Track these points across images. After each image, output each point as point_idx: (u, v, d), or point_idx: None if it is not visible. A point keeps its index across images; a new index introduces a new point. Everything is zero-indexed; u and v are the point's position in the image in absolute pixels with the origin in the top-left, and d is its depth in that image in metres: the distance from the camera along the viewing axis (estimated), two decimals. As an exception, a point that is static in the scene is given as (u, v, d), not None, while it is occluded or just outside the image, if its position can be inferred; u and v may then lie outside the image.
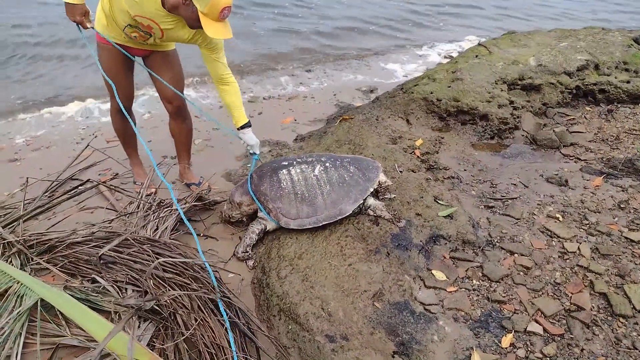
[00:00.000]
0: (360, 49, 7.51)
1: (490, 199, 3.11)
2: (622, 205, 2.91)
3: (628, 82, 4.45)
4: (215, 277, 2.16)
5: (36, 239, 2.47)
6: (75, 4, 2.42)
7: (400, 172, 3.23)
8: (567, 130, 4.03)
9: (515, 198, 3.08)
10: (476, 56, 4.96)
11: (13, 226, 2.71)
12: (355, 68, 6.72)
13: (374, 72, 6.59)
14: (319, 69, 6.57)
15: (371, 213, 2.72)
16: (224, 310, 1.95)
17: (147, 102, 5.06)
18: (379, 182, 2.80)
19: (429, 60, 7.21)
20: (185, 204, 2.87)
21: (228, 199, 2.88)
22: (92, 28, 2.55)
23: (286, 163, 2.73)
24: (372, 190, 2.71)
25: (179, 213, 2.77)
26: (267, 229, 2.72)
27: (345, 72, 6.53)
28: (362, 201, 2.67)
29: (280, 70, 6.43)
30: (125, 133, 3.18)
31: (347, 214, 2.61)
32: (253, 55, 6.82)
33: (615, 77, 4.53)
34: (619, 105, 4.37)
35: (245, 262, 2.63)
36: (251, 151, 2.94)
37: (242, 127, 2.85)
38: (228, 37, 2.36)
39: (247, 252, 2.63)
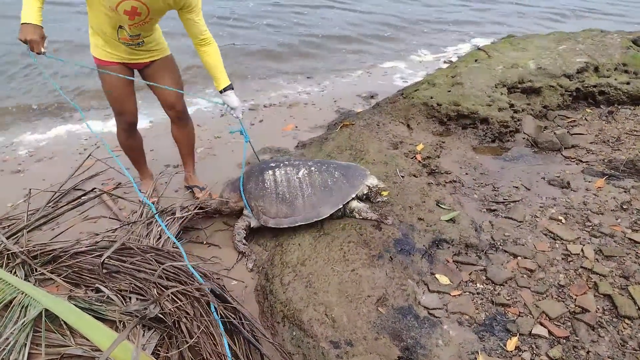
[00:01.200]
0: (360, 55, 7.54)
1: (493, 202, 3.11)
2: (624, 207, 2.90)
3: (628, 83, 4.45)
4: (218, 285, 2.16)
5: (40, 250, 2.48)
6: (33, 23, 2.32)
7: (402, 177, 3.24)
8: (568, 132, 4.04)
9: (518, 201, 3.08)
10: (476, 60, 4.97)
11: (17, 237, 2.72)
12: (356, 74, 6.74)
13: (374, 78, 6.61)
14: (319, 76, 6.59)
15: (357, 216, 2.78)
16: (215, 307, 1.96)
17: (148, 111, 5.09)
18: (369, 186, 2.90)
19: (429, 65, 7.22)
20: (187, 212, 2.88)
21: (220, 193, 3.02)
22: (44, 54, 2.43)
23: (274, 164, 2.85)
24: (354, 195, 2.78)
25: (181, 221, 2.79)
26: (252, 225, 2.87)
27: (346, 78, 6.56)
28: (341, 206, 2.75)
29: (280, 77, 6.46)
30: (133, 149, 3.23)
31: (325, 217, 2.70)
32: (253, 63, 6.86)
33: (615, 79, 4.53)
34: (620, 107, 4.37)
35: (245, 265, 2.68)
36: (234, 115, 2.88)
37: (225, 90, 2.79)
38: None
39: (243, 243, 2.78)
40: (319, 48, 7.74)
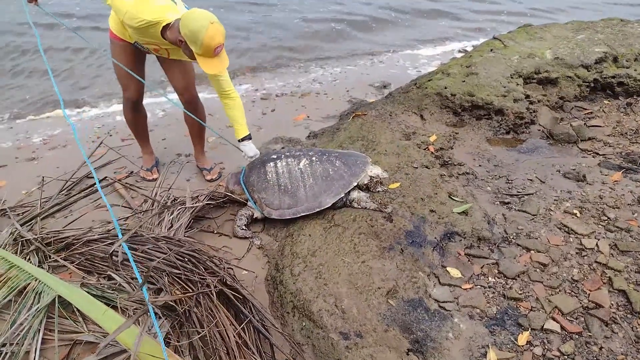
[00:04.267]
0: (373, 45, 7.46)
1: (506, 194, 3.07)
2: (642, 201, 2.84)
3: (648, 74, 4.34)
4: (229, 274, 2.17)
5: (53, 237, 2.51)
6: None
7: (415, 168, 3.21)
8: (584, 124, 3.96)
9: (532, 194, 3.03)
10: (491, 50, 4.88)
11: (31, 224, 2.76)
12: (368, 64, 6.68)
13: (387, 67, 6.54)
14: (332, 65, 6.55)
15: (356, 206, 2.80)
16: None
17: (162, 100, 5.10)
18: (370, 176, 2.94)
19: (443, 54, 7.13)
20: (197, 202, 2.89)
21: (224, 186, 3.08)
22: (37, 5, 2.67)
23: (275, 156, 2.89)
24: (355, 184, 2.81)
25: (192, 211, 2.79)
26: (255, 216, 2.89)
27: (358, 67, 6.50)
28: (343, 195, 2.77)
29: (293, 67, 6.43)
30: (136, 124, 3.34)
31: (327, 207, 2.74)
32: (266, 52, 6.83)
33: (635, 70, 4.42)
34: (639, 99, 4.27)
35: (252, 243, 2.77)
36: (249, 160, 3.09)
37: (243, 139, 3.01)
38: (223, 71, 2.54)
39: (244, 229, 2.81)
40: (331, 36, 7.67)
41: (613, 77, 4.38)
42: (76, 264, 2.35)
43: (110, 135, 4.15)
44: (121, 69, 2.87)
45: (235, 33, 7.32)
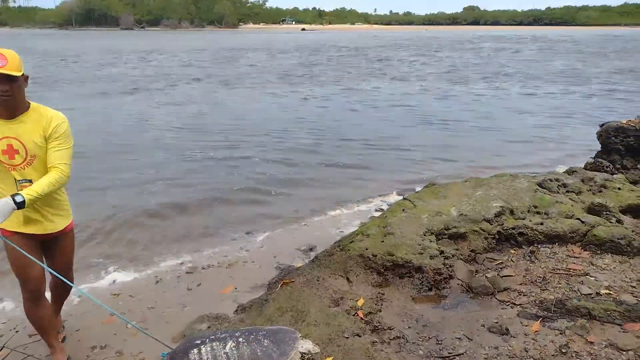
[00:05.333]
0: (297, 208, 7.79)
1: (438, 357, 3.07)
2: (563, 350, 2.96)
3: (541, 223, 4.86)
4: None
5: None
6: None
7: (346, 338, 3.17)
8: (498, 274, 4.22)
9: (462, 354, 3.06)
10: (403, 210, 5.29)
11: None
12: (293, 227, 6.89)
13: (311, 229, 6.77)
14: (258, 231, 6.67)
15: None
16: None
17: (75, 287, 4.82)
18: (300, 352, 2.83)
19: (362, 214, 7.56)
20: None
21: None
22: None
23: (199, 341, 2.74)
24: None
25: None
26: None
27: (283, 231, 6.67)
28: None
29: (219, 235, 6.47)
30: (42, 320, 3.09)
31: None
32: (191, 223, 6.89)
33: (530, 220, 4.94)
34: (539, 246, 4.71)
35: None
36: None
37: (16, 196, 2.46)
38: None
39: None
40: (254, 202, 7.96)
41: (513, 228, 4.85)
42: None
43: (17, 332, 3.76)
44: (16, 261, 2.82)
45: (160, 209, 7.43)
